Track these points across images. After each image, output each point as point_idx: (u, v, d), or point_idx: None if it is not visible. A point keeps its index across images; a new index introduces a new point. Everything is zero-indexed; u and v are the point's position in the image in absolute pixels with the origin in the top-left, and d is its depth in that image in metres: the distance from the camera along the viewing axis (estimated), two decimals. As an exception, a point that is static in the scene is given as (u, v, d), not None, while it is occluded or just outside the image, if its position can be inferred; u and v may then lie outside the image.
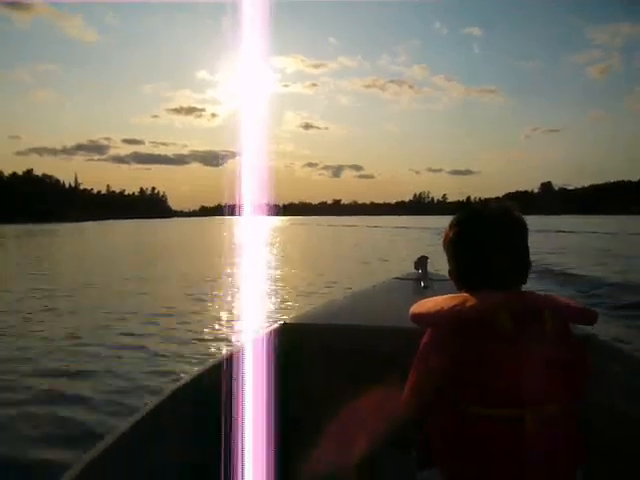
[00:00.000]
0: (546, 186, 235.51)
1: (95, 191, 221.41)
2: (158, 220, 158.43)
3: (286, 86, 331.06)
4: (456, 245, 1.35)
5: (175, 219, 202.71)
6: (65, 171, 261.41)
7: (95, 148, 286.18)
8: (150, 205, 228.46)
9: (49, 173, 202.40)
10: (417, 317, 1.34)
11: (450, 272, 1.39)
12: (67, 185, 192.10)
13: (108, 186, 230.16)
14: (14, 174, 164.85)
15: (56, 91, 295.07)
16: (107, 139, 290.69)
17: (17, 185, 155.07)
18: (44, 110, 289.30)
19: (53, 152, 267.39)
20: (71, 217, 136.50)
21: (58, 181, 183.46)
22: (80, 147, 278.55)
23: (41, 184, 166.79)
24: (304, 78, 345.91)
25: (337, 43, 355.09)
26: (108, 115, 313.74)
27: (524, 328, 1.20)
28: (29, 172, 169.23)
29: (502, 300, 1.24)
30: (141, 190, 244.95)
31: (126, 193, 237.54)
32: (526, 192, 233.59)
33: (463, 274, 1.35)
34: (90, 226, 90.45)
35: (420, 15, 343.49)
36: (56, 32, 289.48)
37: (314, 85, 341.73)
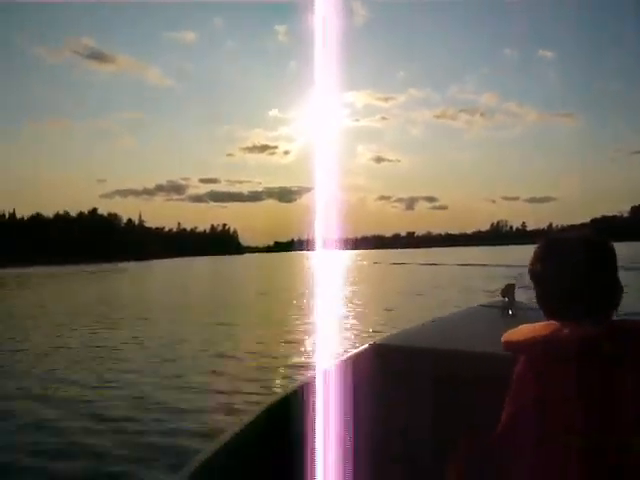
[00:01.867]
0: (637, 210, 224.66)
1: (167, 229, 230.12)
2: (229, 257, 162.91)
3: (357, 120, 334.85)
4: (543, 273, 1.35)
5: (247, 255, 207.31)
6: (145, 211, 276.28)
7: (174, 188, 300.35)
8: (221, 242, 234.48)
9: (131, 213, 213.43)
10: (510, 345, 1.36)
11: (537, 299, 1.38)
12: (137, 223, 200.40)
13: (179, 224, 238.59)
14: (80, 214, 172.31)
15: (138, 136, 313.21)
16: (185, 179, 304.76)
17: (85, 224, 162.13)
18: (127, 155, 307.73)
19: (135, 193, 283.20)
20: (136, 256, 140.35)
21: (130, 220, 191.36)
22: (160, 188, 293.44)
23: (108, 223, 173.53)
24: (374, 112, 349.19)
25: (405, 76, 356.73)
26: (186, 156, 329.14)
27: (627, 357, 1.19)
28: (93, 211, 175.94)
29: (602, 329, 1.23)
30: (212, 227, 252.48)
31: (198, 230, 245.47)
32: (615, 217, 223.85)
33: (551, 302, 1.34)
34: (155, 264, 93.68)
35: (488, 42, 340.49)
36: (136, 81, 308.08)
37: (384, 118, 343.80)
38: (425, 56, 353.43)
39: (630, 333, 1.23)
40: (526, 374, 1.29)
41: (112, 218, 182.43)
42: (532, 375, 1.28)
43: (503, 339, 1.39)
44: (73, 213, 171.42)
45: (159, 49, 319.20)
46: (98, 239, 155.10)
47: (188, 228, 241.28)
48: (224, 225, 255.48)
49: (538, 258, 1.37)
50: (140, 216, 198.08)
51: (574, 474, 1.18)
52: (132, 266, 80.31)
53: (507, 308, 3.00)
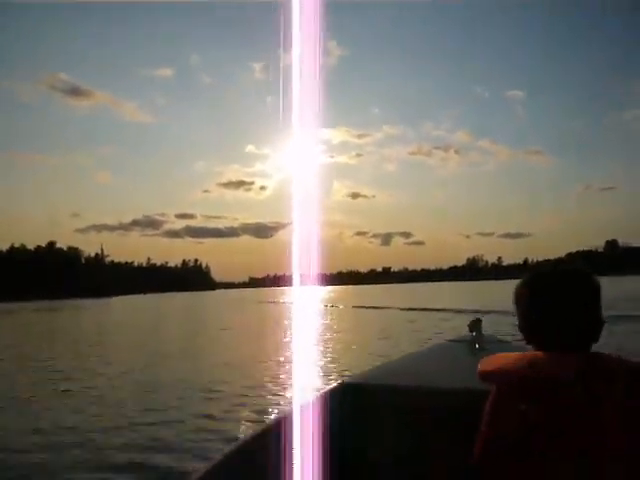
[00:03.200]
0: (611, 244, 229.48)
1: (137, 264, 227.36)
2: (200, 292, 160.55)
3: (332, 157, 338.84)
4: (528, 302, 1.40)
5: (219, 291, 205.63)
6: (120, 246, 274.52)
7: (150, 223, 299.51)
8: (193, 277, 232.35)
9: (107, 248, 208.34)
10: (485, 374, 1.39)
11: (520, 328, 1.42)
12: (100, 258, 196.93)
13: (149, 259, 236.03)
14: (38, 247, 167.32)
15: (113, 171, 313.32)
16: (161, 215, 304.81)
17: (40, 259, 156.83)
18: (103, 190, 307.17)
19: (110, 229, 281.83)
20: (96, 292, 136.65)
21: (96, 255, 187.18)
22: (136, 223, 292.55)
23: (66, 258, 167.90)
24: (349, 149, 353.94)
25: (380, 113, 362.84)
26: (162, 192, 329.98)
27: (595, 391, 1.22)
28: (51, 245, 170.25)
29: (573, 361, 1.27)
30: (183, 262, 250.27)
31: (169, 265, 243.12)
32: (590, 251, 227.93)
33: (533, 331, 1.38)
34: (113, 301, 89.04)
35: (460, 81, 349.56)
36: (112, 116, 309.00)
37: (359, 155, 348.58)
38: (398, 94, 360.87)
39: (610, 366, 1.27)
40: (499, 406, 1.31)
41: (72, 252, 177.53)
42: (504, 407, 1.30)
43: (479, 368, 1.41)
44: (31, 247, 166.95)
45: (136, 85, 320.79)
46: (52, 275, 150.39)
47: (158, 263, 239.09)
48: (196, 260, 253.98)
49: (528, 287, 1.41)
50: (102, 251, 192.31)
51: None
52: (84, 303, 75.78)
53: (475, 342, 3.06)
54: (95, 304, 73.42)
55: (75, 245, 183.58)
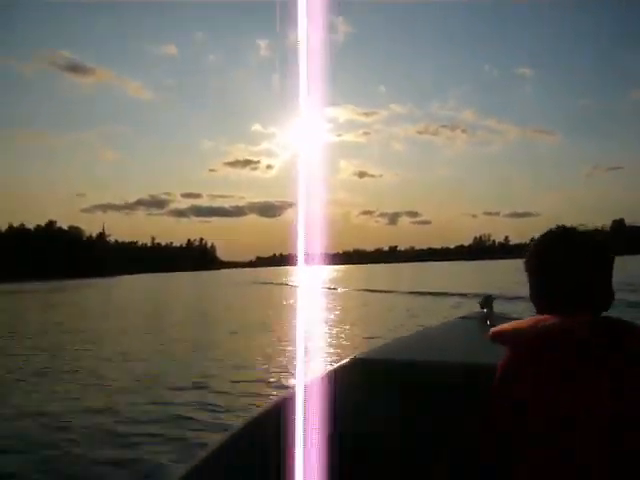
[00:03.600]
0: (618, 224, 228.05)
1: (140, 243, 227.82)
2: (204, 272, 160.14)
3: (339, 135, 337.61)
4: (539, 265, 1.37)
5: (224, 270, 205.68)
6: (125, 226, 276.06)
7: (155, 203, 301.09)
8: (197, 257, 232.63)
9: (112, 228, 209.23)
10: (498, 335, 1.37)
11: (530, 294, 1.40)
12: (114, 239, 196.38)
13: (153, 238, 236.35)
14: (37, 227, 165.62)
15: (119, 150, 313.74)
16: (167, 194, 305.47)
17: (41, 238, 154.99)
18: (108, 168, 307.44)
19: (116, 208, 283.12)
20: (98, 271, 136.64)
21: (100, 234, 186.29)
22: (141, 202, 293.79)
23: (66, 237, 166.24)
24: (356, 127, 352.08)
25: (387, 91, 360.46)
26: (167, 171, 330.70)
27: (621, 352, 1.21)
28: (50, 225, 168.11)
29: (587, 322, 1.25)
30: (188, 242, 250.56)
31: (174, 245, 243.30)
32: (596, 230, 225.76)
33: (544, 296, 1.36)
34: (115, 281, 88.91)
35: (468, 59, 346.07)
36: (116, 94, 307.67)
37: (366, 133, 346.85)
38: (405, 72, 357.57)
39: (623, 329, 1.25)
40: (510, 367, 1.29)
41: (73, 231, 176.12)
42: (516, 367, 1.28)
43: (492, 331, 1.39)
44: (30, 226, 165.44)
45: (140, 62, 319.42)
46: (53, 254, 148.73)
47: (163, 243, 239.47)
48: (201, 240, 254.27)
49: (544, 246, 1.37)
50: (104, 230, 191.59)
51: (571, 466, 1.18)
52: (85, 283, 75.72)
53: (486, 319, 3.08)
54: (100, 283, 73.51)
55: (81, 224, 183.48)
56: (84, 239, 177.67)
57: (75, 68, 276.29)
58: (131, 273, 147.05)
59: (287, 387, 7.28)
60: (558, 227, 1.40)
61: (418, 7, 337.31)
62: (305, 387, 1.96)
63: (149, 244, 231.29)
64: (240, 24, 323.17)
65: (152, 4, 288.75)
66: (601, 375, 1.20)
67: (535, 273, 1.38)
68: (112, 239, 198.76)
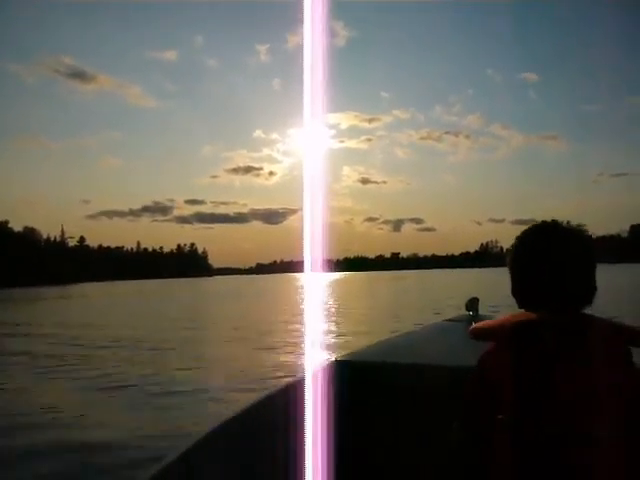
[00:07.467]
0: (636, 229, 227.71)
1: (128, 248, 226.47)
2: (193, 279, 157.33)
3: (342, 142, 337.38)
4: (519, 259, 1.42)
5: (217, 277, 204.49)
6: (132, 233, 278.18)
7: (159, 209, 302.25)
8: (187, 263, 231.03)
9: (116, 235, 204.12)
10: (478, 331, 1.48)
11: (519, 283, 1.43)
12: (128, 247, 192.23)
13: (138, 243, 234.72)
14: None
15: (121, 156, 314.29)
16: (171, 200, 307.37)
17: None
18: (111, 175, 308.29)
19: (121, 214, 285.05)
20: (80, 277, 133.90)
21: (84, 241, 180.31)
22: (146, 209, 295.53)
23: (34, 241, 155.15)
24: (359, 133, 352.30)
25: (389, 97, 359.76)
26: (171, 177, 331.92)
27: (568, 349, 1.28)
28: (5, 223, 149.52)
29: (578, 319, 1.32)
30: (178, 247, 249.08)
31: (165, 251, 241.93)
32: (611, 237, 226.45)
33: (524, 290, 1.41)
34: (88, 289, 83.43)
35: (471, 63, 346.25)
36: (117, 101, 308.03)
37: (369, 140, 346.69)
38: (408, 77, 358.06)
39: (602, 326, 1.31)
40: (497, 355, 1.36)
41: (28, 233, 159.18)
42: (503, 357, 1.34)
43: (472, 328, 1.48)
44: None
45: (140, 68, 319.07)
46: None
47: (150, 248, 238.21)
48: (192, 245, 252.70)
49: (524, 241, 1.42)
50: (63, 232, 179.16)
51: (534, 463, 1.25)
52: (26, 293, 70.33)
53: (472, 322, 3.10)
54: (41, 293, 67.41)
55: (87, 231, 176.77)
56: (41, 243, 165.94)
57: (76, 74, 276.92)
58: (106, 280, 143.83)
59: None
60: (542, 222, 1.44)
61: (420, 12, 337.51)
62: (283, 390, 2.00)
63: (134, 249, 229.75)
64: (239, 29, 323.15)
65: (152, 10, 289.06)
66: (568, 369, 1.26)
67: (515, 267, 1.43)
68: (94, 244, 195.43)
